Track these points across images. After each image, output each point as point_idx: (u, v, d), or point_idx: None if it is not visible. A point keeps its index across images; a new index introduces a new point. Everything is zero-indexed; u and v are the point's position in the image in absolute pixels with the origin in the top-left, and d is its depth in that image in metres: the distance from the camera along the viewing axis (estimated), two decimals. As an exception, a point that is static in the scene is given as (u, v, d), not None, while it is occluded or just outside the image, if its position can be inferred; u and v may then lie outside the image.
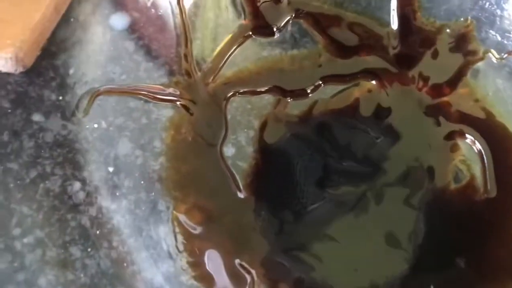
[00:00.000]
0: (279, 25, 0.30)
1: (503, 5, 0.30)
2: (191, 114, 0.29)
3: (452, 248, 0.27)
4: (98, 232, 0.26)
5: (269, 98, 0.30)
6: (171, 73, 0.29)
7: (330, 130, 0.29)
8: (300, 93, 0.30)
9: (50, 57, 0.27)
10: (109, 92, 0.27)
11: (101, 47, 0.28)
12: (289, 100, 0.30)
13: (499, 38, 0.30)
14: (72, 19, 0.28)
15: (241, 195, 0.28)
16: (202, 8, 0.30)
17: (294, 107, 0.30)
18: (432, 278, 0.27)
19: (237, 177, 0.28)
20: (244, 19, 0.30)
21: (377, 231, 0.27)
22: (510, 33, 0.30)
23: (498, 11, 0.30)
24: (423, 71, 0.30)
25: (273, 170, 0.29)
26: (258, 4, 0.30)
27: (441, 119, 0.29)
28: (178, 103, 0.29)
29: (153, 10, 0.29)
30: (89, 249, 0.26)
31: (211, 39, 0.30)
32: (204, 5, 0.30)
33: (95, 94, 0.27)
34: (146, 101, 0.28)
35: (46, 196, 0.26)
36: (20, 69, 0.26)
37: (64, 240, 0.25)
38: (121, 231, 0.27)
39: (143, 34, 0.29)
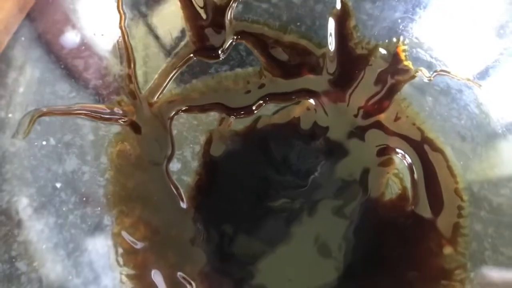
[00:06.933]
0: (224, 47, 0.31)
1: (433, 28, 0.31)
2: (137, 133, 0.29)
3: (378, 256, 0.29)
4: (44, 246, 0.27)
5: (215, 114, 0.31)
6: (119, 91, 0.29)
7: (271, 146, 0.30)
8: (244, 112, 0.31)
9: (0, 75, 0.27)
10: (51, 113, 0.28)
11: (51, 65, 0.28)
12: (232, 118, 0.31)
13: (429, 58, 0.31)
14: (23, 38, 0.28)
15: (183, 205, 0.29)
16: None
17: (239, 123, 0.31)
18: (360, 286, 0.28)
19: (182, 192, 0.29)
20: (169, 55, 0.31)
21: (311, 242, 0.29)
22: (438, 54, 0.31)
23: (428, 33, 0.31)
24: (358, 89, 0.31)
25: (216, 184, 0.30)
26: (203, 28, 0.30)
27: (373, 136, 0.31)
28: (123, 121, 0.29)
29: (98, 31, 0.29)
30: (34, 264, 0.26)
31: (144, 62, 0.31)
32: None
33: (36, 116, 0.27)
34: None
35: (-7, 212, 0.26)
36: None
37: (10, 255, 0.26)
38: (67, 245, 0.27)
39: (94, 52, 0.29)
